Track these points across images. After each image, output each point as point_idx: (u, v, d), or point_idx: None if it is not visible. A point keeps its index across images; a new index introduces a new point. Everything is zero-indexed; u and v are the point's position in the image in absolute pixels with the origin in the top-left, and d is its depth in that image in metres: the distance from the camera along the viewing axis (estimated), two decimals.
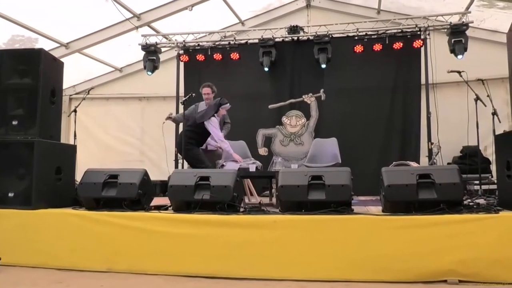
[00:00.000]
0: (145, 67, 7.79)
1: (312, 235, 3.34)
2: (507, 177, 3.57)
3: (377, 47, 7.21)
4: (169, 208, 4.01)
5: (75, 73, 8.41)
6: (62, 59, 4.83)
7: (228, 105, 5.87)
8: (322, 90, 7.68)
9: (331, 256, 3.28)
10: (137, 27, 7.68)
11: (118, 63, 9.24)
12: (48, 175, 4.10)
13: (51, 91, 4.33)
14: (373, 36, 7.27)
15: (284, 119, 7.81)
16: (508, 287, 2.97)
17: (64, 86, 4.92)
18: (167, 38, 8.12)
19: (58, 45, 7.75)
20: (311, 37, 7.44)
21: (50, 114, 4.32)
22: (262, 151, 7.80)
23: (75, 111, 6.29)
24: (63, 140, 4.92)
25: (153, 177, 4.55)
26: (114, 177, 3.96)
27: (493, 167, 6.28)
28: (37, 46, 7.24)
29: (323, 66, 7.28)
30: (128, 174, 4.00)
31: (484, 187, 5.59)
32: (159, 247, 3.52)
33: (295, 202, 3.62)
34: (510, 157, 3.53)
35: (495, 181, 4.44)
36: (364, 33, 7.28)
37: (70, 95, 9.23)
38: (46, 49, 4.40)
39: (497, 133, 4.68)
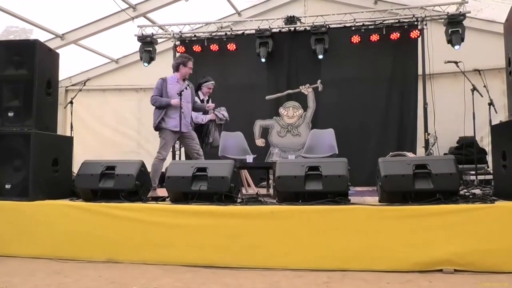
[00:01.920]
0: (141, 58, 7.76)
1: (309, 225, 3.35)
2: (503, 167, 3.59)
3: (374, 37, 7.20)
4: (166, 199, 4.02)
5: (71, 64, 8.37)
6: (57, 51, 4.80)
7: (209, 83, 6.04)
8: (319, 81, 7.67)
9: (328, 245, 3.30)
10: (133, 18, 7.63)
11: (114, 54, 9.19)
12: (45, 167, 4.10)
13: (47, 83, 4.31)
14: (370, 27, 7.25)
15: (281, 110, 7.81)
16: (504, 276, 2.99)
17: (60, 77, 4.90)
18: (163, 29, 8.08)
19: (53, 36, 7.71)
20: (308, 28, 7.42)
21: (46, 105, 4.30)
22: (260, 142, 7.81)
23: (71, 102, 6.28)
24: (59, 131, 4.92)
25: (150, 168, 4.56)
26: (111, 169, 3.96)
27: (489, 158, 6.30)
28: (32, 37, 7.19)
29: (320, 56, 7.27)
30: (125, 165, 4.00)
31: (480, 177, 5.63)
32: (157, 238, 3.54)
33: (292, 192, 3.63)
34: (506, 147, 3.55)
35: (491, 171, 4.46)
36: (361, 24, 7.26)
37: (66, 87, 9.22)
38: (41, 40, 4.37)
39: (493, 123, 4.69)
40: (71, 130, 6.05)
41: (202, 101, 5.97)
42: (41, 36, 7.15)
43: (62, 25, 7.54)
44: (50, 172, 4.15)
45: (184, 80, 5.26)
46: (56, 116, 4.58)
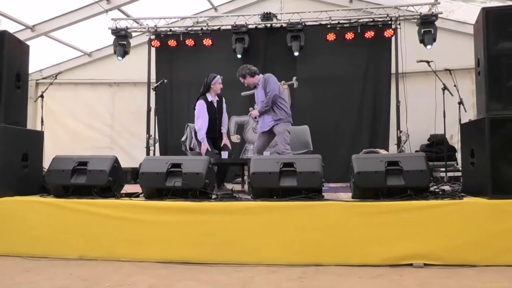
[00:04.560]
0: (115, 52, 7.62)
1: (283, 221, 3.38)
2: (471, 164, 3.70)
3: (349, 35, 7.27)
4: (140, 195, 3.97)
5: (41, 57, 8.14)
6: (27, 42, 4.67)
7: (217, 77, 5.61)
8: (294, 78, 7.71)
9: (301, 241, 3.34)
10: (106, 11, 7.48)
11: (87, 47, 8.99)
12: (14, 162, 3.98)
13: (16, 75, 4.18)
14: (345, 25, 7.32)
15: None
16: (472, 270, 3.09)
17: (30, 70, 4.76)
18: (138, 23, 7.95)
19: (23, 27, 7.47)
20: (284, 25, 7.44)
21: (16, 99, 4.18)
22: (235, 138, 7.80)
23: (42, 96, 6.14)
24: (29, 126, 4.79)
25: (124, 164, 4.50)
26: (84, 164, 3.88)
27: (459, 155, 6.48)
28: (0, 28, 6.95)
29: (296, 54, 7.30)
30: (98, 161, 3.93)
31: (449, 174, 5.79)
32: (131, 234, 3.50)
33: (267, 189, 3.64)
34: (475, 145, 3.65)
35: (460, 168, 4.59)
36: (336, 22, 7.32)
37: (37, 80, 8.98)
38: (10, 31, 4.24)
39: (462, 122, 4.83)
40: (42, 124, 5.91)
41: (211, 102, 5.59)
42: (10, 27, 6.90)
43: (33, 16, 7.32)
44: (19, 167, 4.04)
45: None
46: (26, 110, 4.45)
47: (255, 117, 5.94)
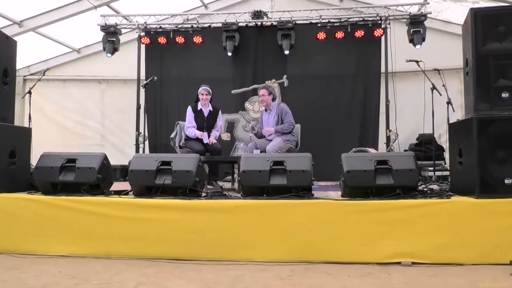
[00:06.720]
0: (104, 49, 7.54)
1: (273, 219, 3.39)
2: (459, 163, 3.74)
3: (339, 34, 7.28)
4: (129, 193, 3.95)
5: (29, 53, 8.03)
6: (15, 38, 4.61)
7: (200, 89, 5.87)
8: (285, 76, 7.72)
9: (291, 239, 3.36)
10: (95, 7, 7.40)
11: (75, 43, 8.89)
12: (1, 159, 3.93)
13: (4, 71, 4.14)
14: (335, 24, 7.33)
15: (247, 104, 7.81)
16: (459, 269, 3.13)
17: (18, 66, 4.70)
18: (127, 19, 7.87)
19: (11, 23, 7.37)
20: (274, 23, 7.42)
21: (3, 95, 4.14)
22: (225, 136, 7.79)
23: (29, 92, 6.04)
24: (17, 123, 4.73)
25: (114, 161, 4.47)
26: (72, 161, 3.86)
27: (447, 154, 6.54)
28: None
29: (286, 52, 7.29)
30: (87, 158, 3.91)
31: (437, 173, 5.83)
32: (120, 232, 3.48)
33: (257, 187, 3.65)
34: (462, 145, 3.69)
35: (448, 167, 4.63)
36: (327, 21, 7.33)
37: (24, 76, 8.83)
38: None
39: (451, 121, 4.87)
40: (29, 121, 5.83)
41: (200, 111, 5.87)
42: None
43: (20, 11, 7.22)
44: (6, 164, 4.00)
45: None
46: (13, 106, 4.41)
47: (270, 135, 6.00)
